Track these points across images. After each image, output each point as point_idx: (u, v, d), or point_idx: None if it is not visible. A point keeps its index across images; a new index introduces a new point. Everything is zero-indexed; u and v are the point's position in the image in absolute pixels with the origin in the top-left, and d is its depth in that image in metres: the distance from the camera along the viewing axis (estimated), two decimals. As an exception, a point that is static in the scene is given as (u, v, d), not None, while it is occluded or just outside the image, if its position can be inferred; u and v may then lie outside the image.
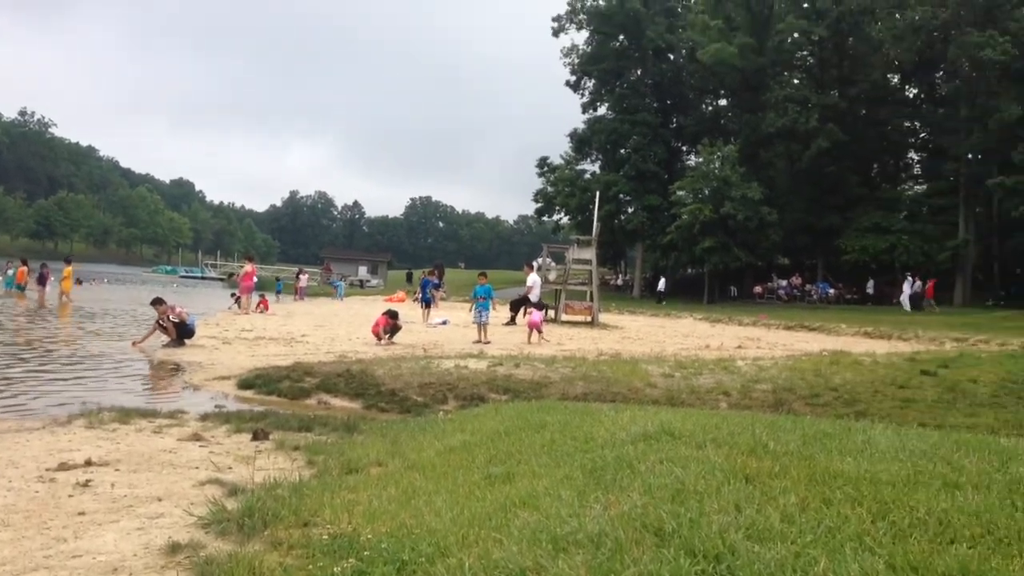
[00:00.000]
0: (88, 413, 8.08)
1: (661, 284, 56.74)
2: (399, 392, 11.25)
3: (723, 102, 65.35)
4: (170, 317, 16.36)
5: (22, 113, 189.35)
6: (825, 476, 3.77)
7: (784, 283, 52.87)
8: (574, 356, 14.56)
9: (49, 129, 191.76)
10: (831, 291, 49.69)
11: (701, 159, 53.92)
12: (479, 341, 17.96)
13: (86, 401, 9.40)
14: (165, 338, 16.32)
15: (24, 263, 34.22)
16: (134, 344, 16.12)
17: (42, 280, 31.21)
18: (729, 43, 51.64)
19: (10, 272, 35.54)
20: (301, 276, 51.01)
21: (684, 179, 53.74)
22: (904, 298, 41.45)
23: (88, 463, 5.84)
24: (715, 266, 51.51)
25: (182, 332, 16.39)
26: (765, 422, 5.96)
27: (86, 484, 5.27)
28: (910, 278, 42.83)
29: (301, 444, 6.88)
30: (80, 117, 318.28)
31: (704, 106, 66.52)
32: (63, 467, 5.72)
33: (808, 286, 51.91)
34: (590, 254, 28.38)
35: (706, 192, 50.82)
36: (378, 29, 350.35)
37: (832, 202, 52.41)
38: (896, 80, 56.95)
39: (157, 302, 16.74)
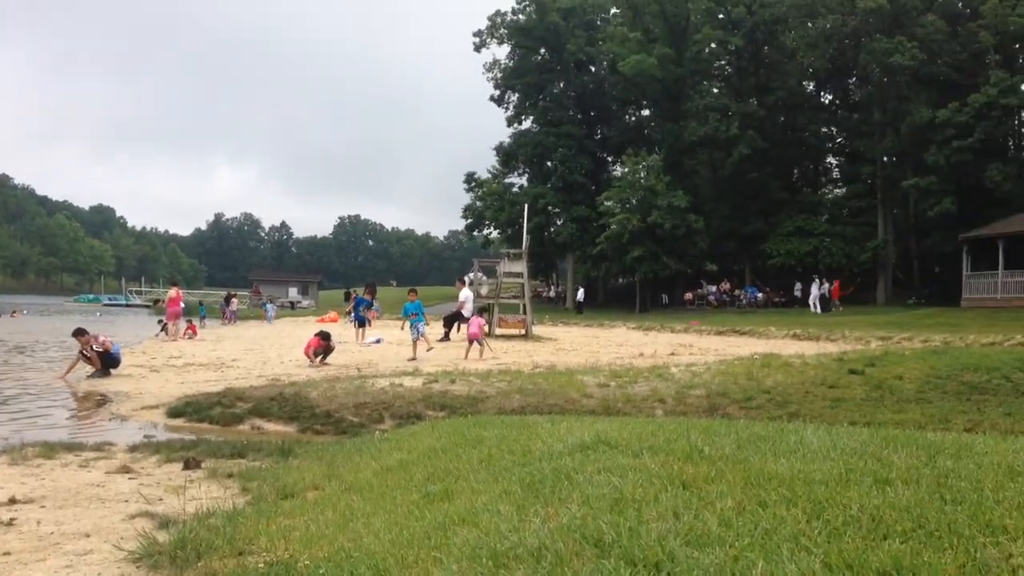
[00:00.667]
0: (11, 449, 7.80)
1: (580, 295, 57.36)
2: (334, 413, 11.12)
3: (646, 112, 66.36)
4: (93, 347, 15.94)
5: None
6: (760, 478, 3.82)
7: (714, 289, 53.75)
8: (509, 369, 14.58)
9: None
10: (759, 295, 50.67)
11: (627, 169, 54.64)
12: (413, 358, 17.88)
13: (8, 437, 9.10)
14: (90, 369, 15.89)
15: None
16: (58, 377, 15.66)
17: None
18: (648, 54, 52.48)
19: None
20: (231, 300, 50.14)
21: (611, 189, 54.34)
22: (813, 300, 42.67)
23: (12, 501, 5.63)
24: (645, 275, 52.14)
25: (107, 362, 15.99)
26: (700, 427, 6.03)
27: (10, 523, 5.07)
28: (816, 280, 44.08)
29: (234, 471, 6.75)
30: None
31: (627, 117, 67.42)
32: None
33: (737, 291, 52.86)
34: (521, 267, 28.49)
35: (633, 202, 51.47)
36: (300, 50, 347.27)
37: (756, 208, 53.52)
38: (812, 87, 58.53)
39: (79, 333, 16.29)
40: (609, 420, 7.88)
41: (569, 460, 4.72)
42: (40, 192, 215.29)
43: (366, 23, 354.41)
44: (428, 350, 18.63)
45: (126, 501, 5.80)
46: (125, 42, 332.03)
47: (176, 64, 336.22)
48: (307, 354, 17.49)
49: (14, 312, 51.84)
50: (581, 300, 56.37)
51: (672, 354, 19.16)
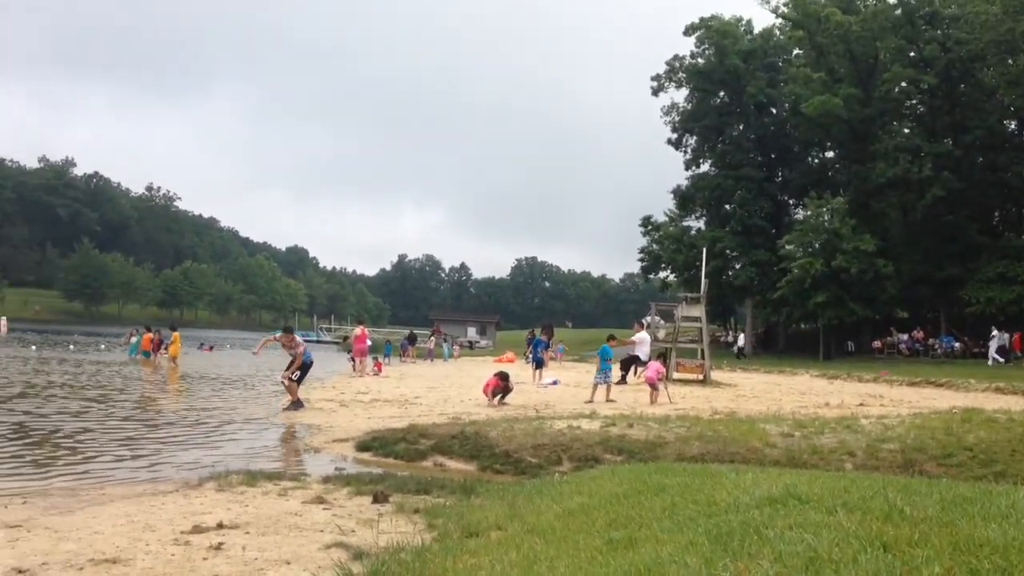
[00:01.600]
0: (217, 476, 8.36)
1: (741, 340, 55.54)
2: (513, 453, 11.25)
3: (830, 154, 64.06)
4: (294, 347, 17.03)
5: (149, 188, 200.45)
6: (969, 544, 3.59)
7: (905, 337, 50.88)
8: (688, 415, 14.32)
9: (174, 203, 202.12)
10: (956, 345, 47.56)
11: (809, 212, 52.86)
12: (590, 401, 17.89)
13: (215, 464, 9.74)
14: (287, 400, 16.81)
15: (148, 330, 35.71)
16: (254, 352, 18.83)
17: (157, 346, 32.54)
18: (833, 95, 50.79)
19: (133, 340, 37.14)
20: (415, 338, 51.55)
21: (792, 233, 52.68)
22: (992, 352, 39.85)
23: (220, 526, 6.04)
24: (830, 321, 50.09)
25: (304, 366, 16.99)
26: (897, 485, 5.73)
27: (219, 547, 5.43)
28: (996, 332, 41.04)
29: (420, 507, 6.96)
30: (202, 190, 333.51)
31: (810, 159, 65.33)
32: (196, 530, 5.92)
33: (931, 340, 49.84)
34: (699, 311, 28.03)
35: (816, 245, 49.70)
36: (482, 98, 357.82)
37: (951, 252, 50.40)
38: (1013, 126, 54.86)
39: (287, 330, 17.69)
40: (796, 473, 7.60)
41: (757, 513, 4.60)
42: (243, 234, 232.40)
43: (547, 70, 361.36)
44: (608, 400, 18.51)
45: (321, 531, 6.08)
46: (323, 92, 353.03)
47: (369, 112, 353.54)
48: (486, 393, 17.82)
49: (205, 345, 55.09)
50: (742, 346, 54.78)
51: (861, 404, 18.28)
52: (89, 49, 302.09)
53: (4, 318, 70.60)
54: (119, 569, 4.91)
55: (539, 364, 26.16)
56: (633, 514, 5.42)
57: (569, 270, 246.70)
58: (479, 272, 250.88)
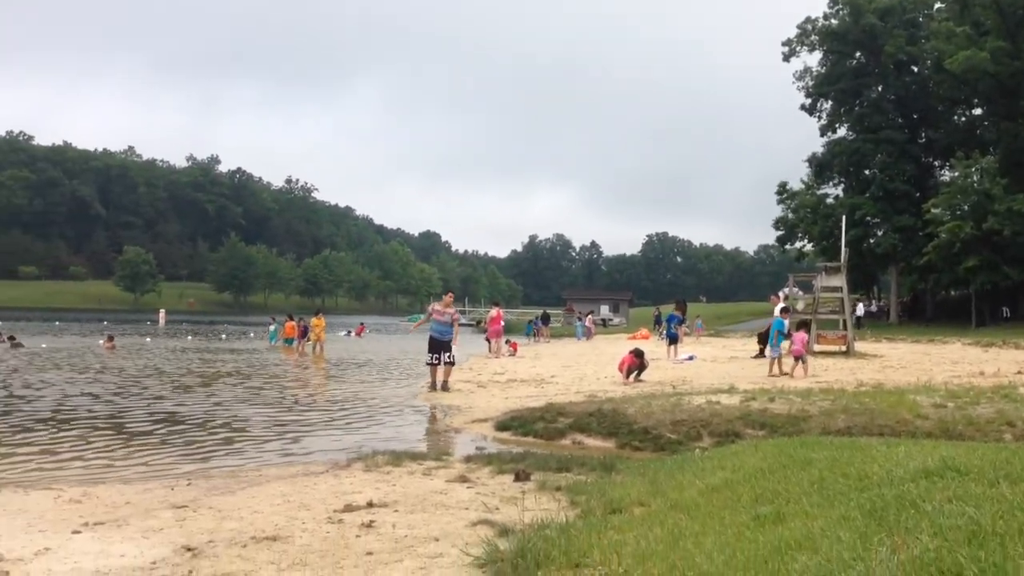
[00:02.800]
0: (364, 457, 8.65)
1: (860, 310, 52.74)
2: (651, 430, 11.18)
3: (977, 111, 60.55)
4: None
5: (288, 181, 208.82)
6: None
7: (1067, 300, 47.86)
8: (831, 388, 13.90)
9: (312, 194, 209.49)
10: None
11: (956, 173, 50.20)
12: (778, 375, 17.51)
13: (361, 446, 10.07)
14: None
15: (290, 318, 36.83)
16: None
17: (302, 333, 33.59)
18: (980, 49, 47.94)
19: (272, 328, 38.44)
20: (548, 318, 51.64)
21: (939, 196, 50.15)
22: None
23: (370, 505, 6.25)
24: (982, 286, 47.57)
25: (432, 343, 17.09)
26: (1064, 456, 5.42)
27: (370, 525, 5.63)
28: None
29: (562, 484, 7.01)
30: (338, 181, 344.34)
31: (955, 117, 61.88)
32: (348, 509, 6.15)
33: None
34: (840, 281, 27.05)
35: (965, 208, 47.20)
36: (610, 73, 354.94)
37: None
38: None
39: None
40: (952, 445, 7.28)
41: (913, 487, 4.43)
42: (378, 222, 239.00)
43: (676, 44, 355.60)
44: (783, 375, 17.86)
45: (466, 509, 6.22)
46: (455, 79, 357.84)
47: (502, 96, 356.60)
48: (621, 371, 17.75)
49: (353, 330, 56.56)
50: (861, 315, 51.92)
51: (1019, 373, 17.32)
52: (235, 49, 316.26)
53: (163, 310, 74.77)
54: (279, 546, 5.15)
55: (673, 340, 25.87)
56: (780, 489, 5.32)
57: (701, 244, 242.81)
58: (610, 250, 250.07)
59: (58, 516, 6.26)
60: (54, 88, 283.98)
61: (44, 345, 31.66)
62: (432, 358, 17.04)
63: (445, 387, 16.82)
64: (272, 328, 38.11)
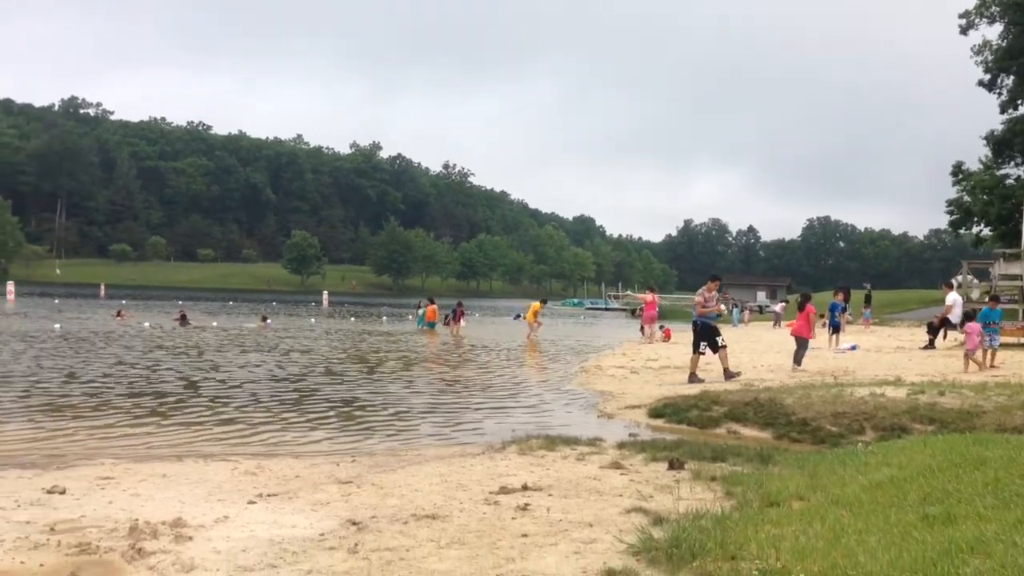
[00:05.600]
0: (519, 440, 8.79)
1: None
2: (811, 422, 10.85)
3: None
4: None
5: (445, 166, 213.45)
6: None
7: None
8: (1009, 382, 13.08)
9: (468, 179, 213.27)
10: None
11: None
12: (982, 368, 16.24)
13: (514, 429, 10.24)
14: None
15: (432, 302, 37.53)
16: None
17: (455, 317, 34.16)
18: None
19: (420, 311, 39.19)
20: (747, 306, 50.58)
21: None
22: None
23: (525, 488, 6.36)
24: None
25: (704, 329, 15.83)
26: None
27: (525, 507, 5.73)
28: None
29: (717, 474, 6.91)
30: (493, 165, 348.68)
31: None
32: (503, 491, 6.28)
33: None
34: (1020, 268, 25.43)
35: None
36: (772, 59, 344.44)
37: None
38: None
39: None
40: None
41: (1101, 493, 4.15)
42: (532, 206, 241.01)
43: (841, 24, 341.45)
44: (991, 367, 16.45)
45: (620, 495, 6.23)
46: (626, 62, 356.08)
47: (664, 81, 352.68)
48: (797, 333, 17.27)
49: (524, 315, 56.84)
50: None
51: None
52: (408, 37, 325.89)
53: (326, 292, 77.93)
54: (438, 524, 5.32)
55: (836, 329, 24.94)
56: (950, 488, 5.09)
57: (866, 228, 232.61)
58: (768, 234, 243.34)
59: (235, 487, 6.67)
60: (230, 79, 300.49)
61: (215, 324, 33.56)
62: (702, 346, 15.60)
63: (729, 374, 15.37)
64: (420, 311, 38.94)
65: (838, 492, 5.74)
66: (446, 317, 34.77)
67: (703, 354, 15.68)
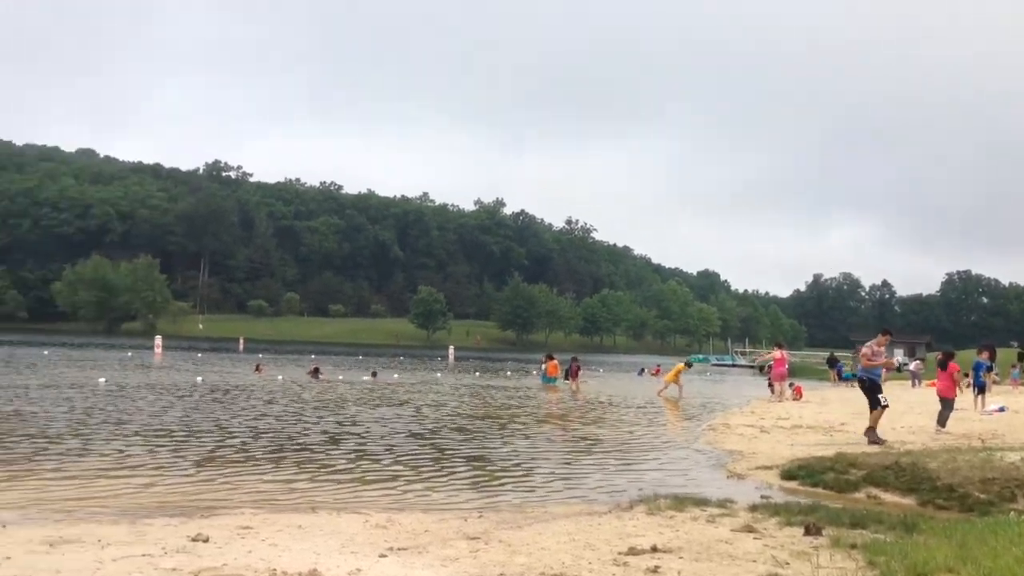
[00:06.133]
0: (647, 500, 8.66)
1: None
2: (957, 488, 10.28)
3: None
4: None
5: (568, 222, 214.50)
6: None
7: None
8: None
9: (590, 234, 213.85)
10: None
11: None
12: None
13: (641, 488, 10.09)
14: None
15: (551, 357, 37.36)
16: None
17: (572, 373, 33.96)
18: None
19: (544, 366, 39.00)
20: (836, 361, 49.21)
21: None
22: None
23: (654, 549, 6.25)
24: None
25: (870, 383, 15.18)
26: None
27: (655, 570, 5.63)
28: None
29: (858, 542, 6.62)
30: (616, 220, 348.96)
31: None
32: (632, 552, 6.19)
33: None
34: None
35: None
36: (904, 108, 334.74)
37: None
38: None
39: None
40: None
41: None
42: (655, 261, 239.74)
43: (984, 57, 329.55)
44: None
45: (754, 561, 6.05)
46: (739, 114, 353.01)
47: (792, 130, 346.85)
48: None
49: (648, 371, 56.20)
50: None
51: None
52: (529, 95, 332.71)
53: (452, 347, 79.04)
54: (567, 584, 5.28)
55: (981, 389, 23.68)
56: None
57: (1011, 283, 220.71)
58: (903, 289, 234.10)
59: (367, 539, 6.80)
60: (360, 140, 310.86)
61: (340, 377, 34.41)
62: (882, 398, 14.87)
63: (873, 437, 14.50)
64: (544, 366, 38.83)
65: (990, 564, 5.43)
66: (565, 373, 34.71)
67: (886, 407, 14.88)
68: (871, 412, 14.88)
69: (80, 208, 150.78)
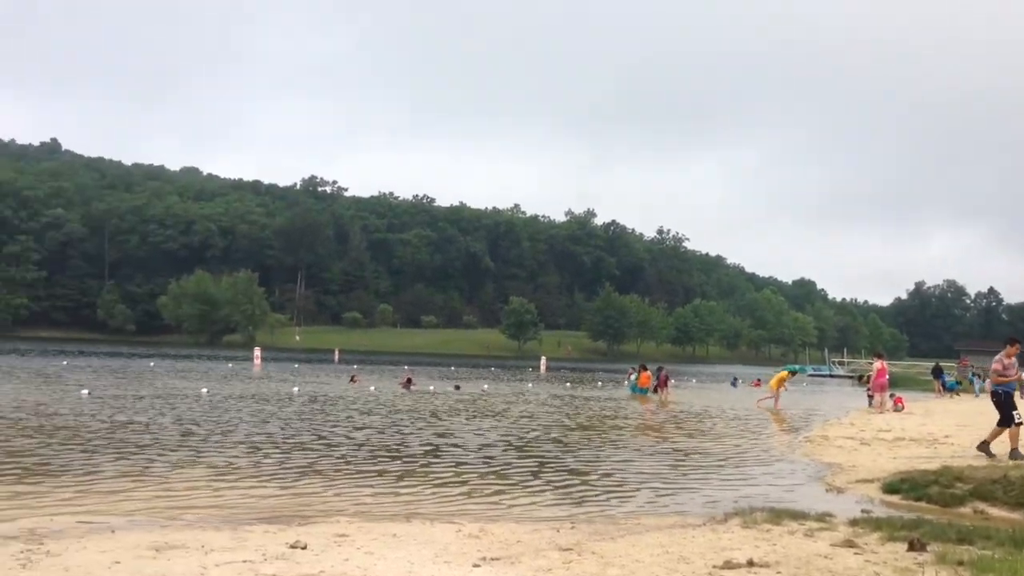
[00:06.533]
0: (742, 512, 8.52)
1: None
2: (1072, 504, 9.84)
3: None
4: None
5: (659, 231, 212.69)
6: None
7: None
8: None
9: (682, 243, 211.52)
10: None
11: None
12: None
13: (736, 500, 9.93)
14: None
15: (644, 368, 37.02)
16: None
17: (661, 383, 33.64)
18: None
19: (632, 377, 38.58)
20: (940, 371, 47.58)
21: None
22: None
23: (750, 563, 6.14)
24: None
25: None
26: None
27: (753, 584, 5.54)
28: None
29: (965, 559, 6.38)
30: (708, 230, 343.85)
31: None
32: (728, 565, 6.10)
33: None
34: None
35: None
36: (1010, 108, 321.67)
37: None
38: None
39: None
40: None
41: None
42: (749, 270, 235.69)
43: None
44: None
45: (856, 577, 5.89)
46: (851, 115, 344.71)
47: (891, 132, 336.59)
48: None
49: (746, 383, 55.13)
50: None
51: None
52: (622, 104, 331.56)
53: (544, 357, 79.12)
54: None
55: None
56: None
57: None
58: (1011, 297, 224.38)
59: (459, 549, 6.87)
60: (451, 153, 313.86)
61: (431, 388, 34.70)
62: (1017, 415, 13.84)
63: (1018, 454, 13.54)
64: (632, 378, 38.45)
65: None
66: (655, 385, 34.38)
67: (1021, 424, 13.75)
68: (997, 427, 14.00)
69: (184, 224, 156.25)
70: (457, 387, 35.75)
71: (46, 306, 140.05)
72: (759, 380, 52.75)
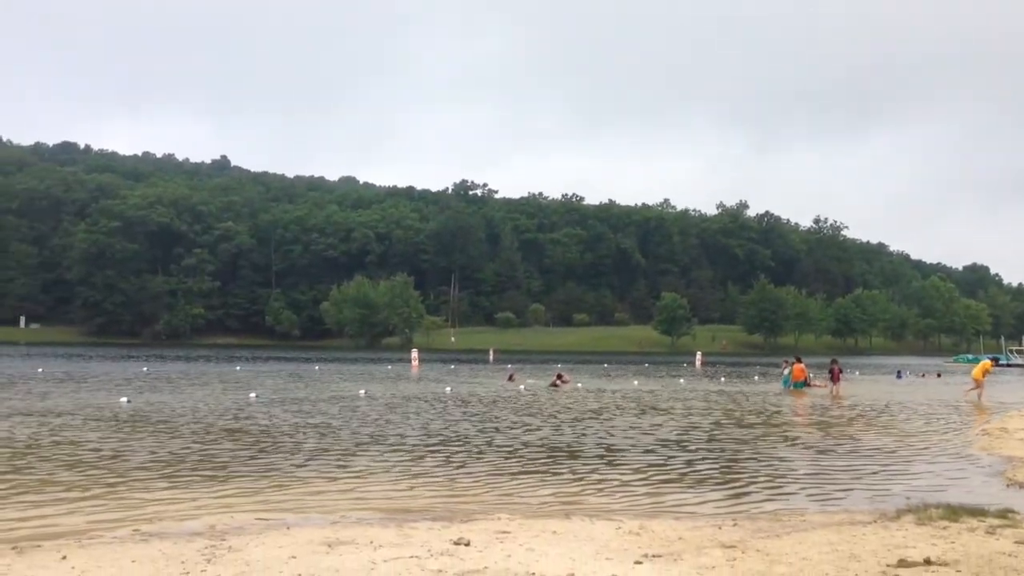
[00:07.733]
0: (915, 508, 8.16)
1: None
2: None
3: None
4: None
5: (816, 221, 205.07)
6: None
7: None
8: None
9: (841, 232, 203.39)
10: None
11: None
12: None
13: (908, 496, 9.51)
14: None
15: (799, 360, 35.49)
16: None
17: (834, 377, 32.28)
18: None
19: (786, 372, 36.91)
20: None
21: None
22: None
23: (927, 562, 5.89)
24: None
25: None
26: None
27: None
28: None
29: None
30: (868, 217, 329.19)
31: None
32: (903, 564, 5.86)
33: None
34: None
35: None
36: None
37: None
38: None
39: None
40: None
41: None
42: (914, 257, 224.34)
43: None
44: None
45: (1043, 576, 5.56)
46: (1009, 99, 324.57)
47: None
48: None
49: (923, 374, 52.58)
50: None
51: None
52: (790, 92, 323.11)
53: (699, 352, 77.81)
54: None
55: None
56: None
57: None
58: None
59: (620, 546, 6.87)
60: (599, 152, 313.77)
61: (579, 385, 34.62)
62: None
63: None
64: (786, 371, 36.86)
65: None
66: (830, 375, 33.05)
67: None
68: None
69: (343, 232, 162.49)
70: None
71: (220, 314, 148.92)
72: (924, 373, 50.25)
